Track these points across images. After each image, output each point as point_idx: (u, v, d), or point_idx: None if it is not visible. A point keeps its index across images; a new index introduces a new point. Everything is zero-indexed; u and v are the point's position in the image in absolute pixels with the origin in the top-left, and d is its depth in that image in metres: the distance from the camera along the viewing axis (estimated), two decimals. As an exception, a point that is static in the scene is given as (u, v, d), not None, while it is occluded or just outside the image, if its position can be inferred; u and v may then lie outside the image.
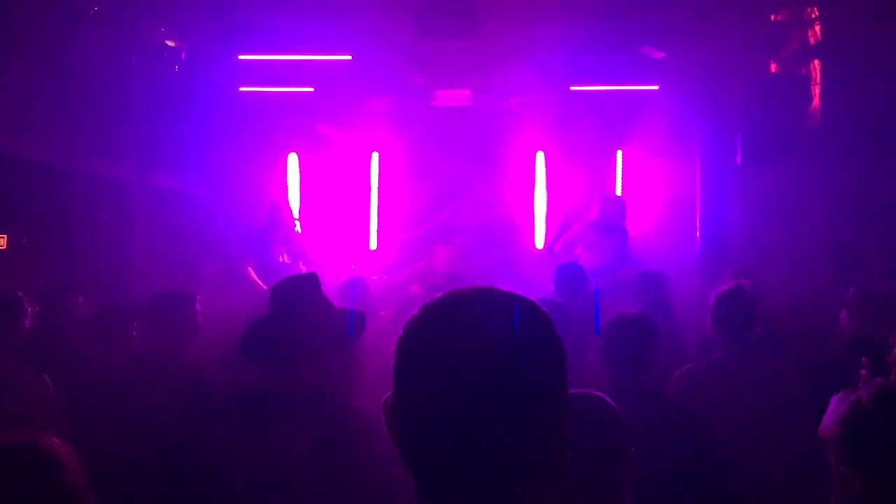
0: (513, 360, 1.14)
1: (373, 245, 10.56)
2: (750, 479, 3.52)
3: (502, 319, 1.18)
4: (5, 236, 7.17)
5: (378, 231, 10.64)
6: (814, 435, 3.05)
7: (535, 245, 10.34)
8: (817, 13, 7.76)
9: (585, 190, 10.17)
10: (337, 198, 10.37)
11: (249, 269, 7.65)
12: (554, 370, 1.18)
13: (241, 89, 9.40)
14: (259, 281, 7.56)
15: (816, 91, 7.66)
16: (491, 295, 1.22)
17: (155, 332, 4.14)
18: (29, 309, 4.18)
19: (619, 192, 10.21)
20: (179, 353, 4.09)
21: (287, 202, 8.84)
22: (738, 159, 7.74)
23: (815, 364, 4.08)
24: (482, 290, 1.23)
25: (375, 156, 10.60)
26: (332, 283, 6.26)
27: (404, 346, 1.20)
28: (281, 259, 8.11)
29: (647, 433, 3.08)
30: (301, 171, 10.41)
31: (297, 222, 8.72)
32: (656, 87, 9.02)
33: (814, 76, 7.80)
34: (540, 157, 10.38)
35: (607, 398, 2.16)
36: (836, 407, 2.15)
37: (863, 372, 3.27)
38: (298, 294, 2.82)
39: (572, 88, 9.30)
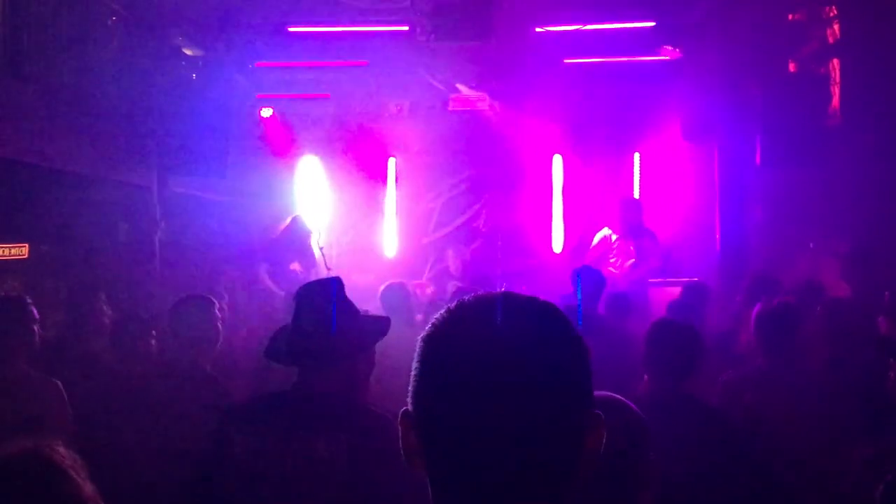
0: (537, 365, 1.12)
1: (390, 250, 10.57)
2: (792, 485, 3.51)
3: (525, 324, 1.16)
4: (27, 245, 7.22)
5: (395, 235, 10.65)
6: (856, 437, 3.09)
7: (552, 248, 10.32)
8: (836, 12, 7.70)
9: (603, 192, 10.16)
10: (354, 202, 10.41)
11: (264, 273, 7.71)
12: (578, 374, 1.17)
13: (259, 96, 9.45)
14: (273, 286, 7.62)
15: (836, 90, 7.60)
16: (513, 299, 1.21)
17: (176, 338, 4.16)
18: (37, 314, 4.19)
19: (637, 194, 10.18)
20: (200, 358, 4.09)
21: (304, 219, 8.93)
22: (758, 159, 7.68)
23: (854, 369, 4.06)
24: (503, 295, 1.21)
25: (392, 161, 10.62)
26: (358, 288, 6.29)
27: (425, 353, 1.19)
28: (292, 267, 8.18)
29: (683, 439, 3.06)
30: (319, 177, 10.45)
31: (317, 237, 8.78)
32: (673, 89, 8.98)
33: (833, 75, 7.74)
34: (557, 160, 10.36)
35: (629, 402, 2.15)
36: None
37: (892, 374, 3.25)
38: (325, 297, 2.82)
39: (589, 91, 9.28)
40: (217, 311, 4.24)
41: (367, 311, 3.26)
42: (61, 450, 1.92)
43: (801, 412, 3.70)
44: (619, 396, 2.15)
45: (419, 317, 5.69)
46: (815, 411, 3.67)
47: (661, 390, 3.43)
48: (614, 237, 8.71)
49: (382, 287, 5.67)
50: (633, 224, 8.62)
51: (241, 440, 2.69)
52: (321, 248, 8.71)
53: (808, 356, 4.27)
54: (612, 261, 8.56)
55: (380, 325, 2.91)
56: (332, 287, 2.86)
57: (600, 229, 8.99)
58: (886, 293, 4.58)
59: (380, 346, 2.93)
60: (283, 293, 6.91)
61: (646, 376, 3.57)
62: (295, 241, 8.45)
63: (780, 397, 3.79)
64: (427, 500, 1.19)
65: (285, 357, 2.82)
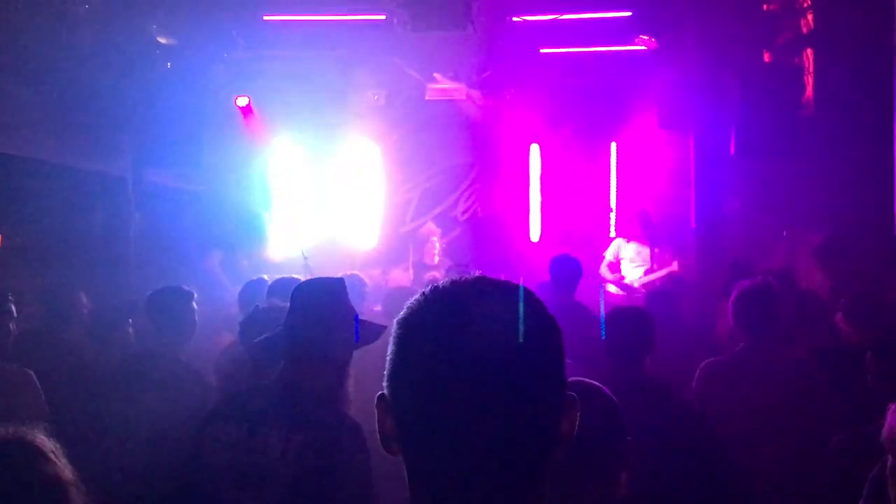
0: (510, 348, 1.13)
1: (370, 240, 10.55)
2: (764, 470, 3.56)
3: (499, 307, 1.16)
4: (0, 235, 7.15)
5: (372, 225, 10.64)
6: (834, 425, 3.13)
7: (530, 237, 10.35)
8: (809, 2, 7.76)
9: (580, 181, 10.20)
10: (332, 192, 10.37)
11: (216, 262, 7.68)
12: (552, 356, 1.18)
13: (234, 84, 9.39)
14: (222, 277, 7.58)
15: (809, 80, 7.66)
16: (486, 283, 1.21)
17: (152, 328, 4.16)
18: (13, 309, 4.18)
19: (613, 182, 10.24)
20: (176, 349, 4.10)
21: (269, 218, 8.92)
22: (733, 149, 7.74)
23: (831, 355, 4.12)
24: (477, 279, 1.22)
25: (370, 149, 10.58)
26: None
27: (400, 337, 1.19)
28: (244, 263, 8.16)
29: (642, 422, 3.14)
30: (295, 166, 10.39)
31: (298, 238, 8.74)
32: (649, 79, 9.02)
33: (807, 65, 7.80)
34: (534, 149, 10.38)
35: (601, 386, 2.18)
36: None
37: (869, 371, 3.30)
38: (329, 297, 2.83)
39: (566, 80, 9.31)
40: (194, 302, 4.24)
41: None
42: (41, 435, 1.94)
43: (780, 398, 3.72)
44: (590, 381, 2.18)
45: (377, 308, 5.70)
46: (794, 398, 3.70)
47: (620, 372, 3.56)
48: (632, 246, 8.80)
49: (386, 292, 5.69)
50: (655, 233, 8.81)
51: (208, 432, 2.70)
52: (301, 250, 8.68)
53: (787, 344, 4.28)
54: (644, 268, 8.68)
55: (371, 332, 2.91)
56: (334, 288, 2.86)
57: (611, 241, 9.13)
58: (842, 300, 4.62)
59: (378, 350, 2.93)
60: (231, 289, 6.75)
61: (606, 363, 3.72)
62: (252, 237, 8.41)
63: (760, 382, 3.80)
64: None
65: (269, 351, 2.81)
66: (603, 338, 3.73)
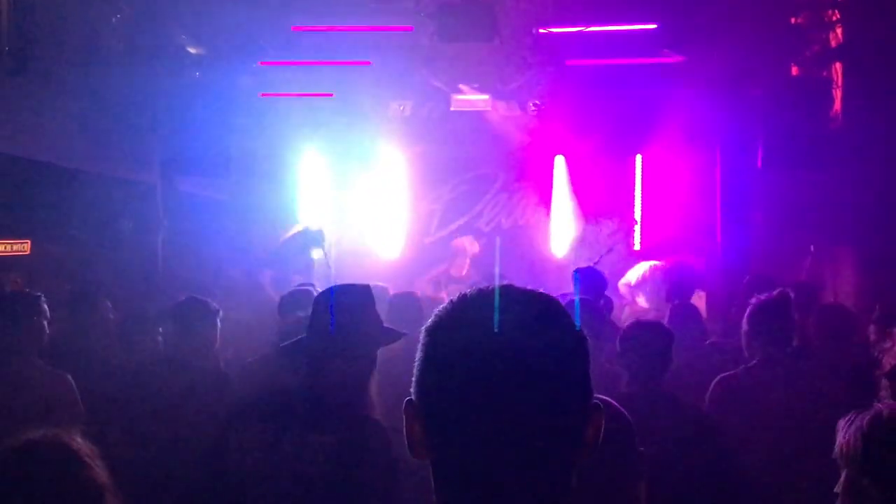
0: (537, 356, 1.14)
1: (393, 251, 10.57)
2: (780, 483, 3.54)
3: (526, 316, 1.18)
4: (29, 241, 7.24)
5: (397, 236, 10.66)
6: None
7: (554, 250, 10.33)
8: (838, 16, 7.71)
9: (605, 194, 10.17)
10: (356, 202, 10.41)
11: (267, 282, 7.70)
12: (578, 365, 1.19)
13: (262, 94, 9.46)
14: (275, 295, 7.62)
15: (838, 94, 7.61)
16: (514, 292, 1.23)
17: (177, 337, 4.21)
18: (47, 309, 4.24)
19: (638, 196, 10.20)
20: (201, 357, 4.14)
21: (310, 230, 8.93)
22: (759, 163, 7.70)
23: (848, 371, 4.08)
24: (505, 288, 1.23)
25: (396, 159, 10.62)
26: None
27: (428, 344, 1.20)
28: (295, 278, 8.19)
29: (664, 434, 3.14)
30: (321, 176, 10.46)
31: (324, 246, 8.79)
32: (675, 91, 8.99)
33: (835, 79, 7.75)
34: (559, 161, 10.37)
35: (611, 400, 2.19)
36: (846, 425, 2.19)
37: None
38: (356, 301, 2.86)
39: (592, 92, 9.29)
40: (218, 319, 4.29)
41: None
42: (79, 439, 1.98)
43: (794, 414, 3.69)
44: (603, 396, 2.19)
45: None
46: (808, 414, 3.66)
47: (642, 389, 3.57)
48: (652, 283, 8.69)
49: (390, 297, 5.66)
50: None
51: (236, 436, 2.72)
52: (325, 253, 8.73)
53: (805, 359, 4.23)
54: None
55: (391, 336, 2.94)
56: (363, 293, 2.90)
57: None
58: (877, 305, 4.58)
59: (386, 356, 2.97)
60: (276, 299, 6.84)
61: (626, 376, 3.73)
62: (300, 252, 8.46)
63: (774, 398, 3.77)
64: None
65: (305, 348, 2.84)
66: (621, 354, 3.73)
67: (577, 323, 1.22)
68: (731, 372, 4.06)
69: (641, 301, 8.49)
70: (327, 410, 2.71)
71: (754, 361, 3.99)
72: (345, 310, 2.83)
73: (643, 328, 3.83)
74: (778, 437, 3.66)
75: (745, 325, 4.06)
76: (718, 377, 4.03)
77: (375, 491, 2.59)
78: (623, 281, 8.61)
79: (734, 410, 3.84)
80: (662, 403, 3.51)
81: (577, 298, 5.42)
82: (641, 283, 8.56)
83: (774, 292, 4.11)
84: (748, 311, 4.05)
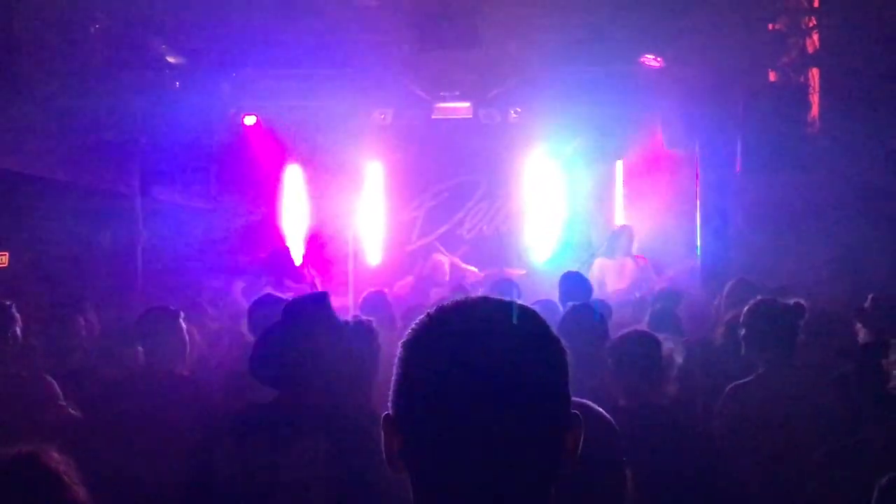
0: (515, 368, 1.14)
1: (374, 258, 10.57)
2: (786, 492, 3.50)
3: (503, 328, 1.18)
4: (6, 253, 7.18)
5: (379, 243, 10.65)
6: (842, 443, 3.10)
7: (536, 256, 10.35)
8: (815, 22, 7.79)
9: (587, 200, 10.22)
10: (338, 210, 10.39)
11: (238, 291, 7.67)
12: (556, 376, 1.19)
13: (242, 103, 9.44)
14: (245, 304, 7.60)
15: (815, 99, 7.69)
16: (491, 304, 1.22)
17: (145, 347, 4.19)
18: (18, 317, 4.21)
19: (619, 201, 10.25)
20: (172, 367, 4.11)
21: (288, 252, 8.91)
22: (738, 167, 7.76)
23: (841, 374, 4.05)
24: (482, 300, 1.24)
25: (376, 168, 10.62)
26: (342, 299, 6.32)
27: (406, 358, 1.20)
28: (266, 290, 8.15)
29: (660, 449, 3.10)
30: (302, 185, 10.44)
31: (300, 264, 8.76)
32: (655, 97, 9.04)
33: (812, 84, 7.82)
34: (541, 167, 10.40)
35: (598, 407, 2.17)
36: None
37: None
38: (307, 313, 2.84)
39: (573, 99, 9.32)
40: (181, 321, 4.25)
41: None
42: (55, 454, 1.94)
43: (800, 420, 3.65)
44: (588, 402, 2.17)
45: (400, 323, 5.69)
46: (812, 419, 3.63)
47: (637, 403, 3.45)
48: (622, 262, 8.78)
49: (363, 296, 5.67)
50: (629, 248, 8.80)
51: (222, 453, 2.69)
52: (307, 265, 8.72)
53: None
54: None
55: (363, 333, 2.92)
56: (316, 303, 2.86)
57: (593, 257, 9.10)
58: (869, 296, 4.55)
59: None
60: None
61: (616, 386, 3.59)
62: (277, 267, 8.43)
63: (784, 406, 3.66)
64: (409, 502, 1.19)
65: (266, 375, 2.81)
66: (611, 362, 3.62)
67: (566, 330, 1.23)
68: (739, 382, 3.92)
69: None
70: (311, 417, 2.69)
71: (760, 371, 3.87)
72: (301, 317, 2.81)
73: (629, 341, 3.69)
74: (780, 450, 3.59)
75: (743, 329, 3.93)
76: (730, 386, 3.89)
77: (371, 495, 2.57)
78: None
79: (749, 420, 3.72)
80: (660, 418, 3.39)
81: (563, 304, 5.44)
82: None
83: (767, 298, 4.06)
84: (749, 312, 3.93)
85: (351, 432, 2.63)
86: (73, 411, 3.93)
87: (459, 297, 1.26)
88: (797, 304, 3.98)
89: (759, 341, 3.88)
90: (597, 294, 7.75)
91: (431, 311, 1.23)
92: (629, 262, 8.79)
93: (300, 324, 2.81)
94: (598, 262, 8.94)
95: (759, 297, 4.07)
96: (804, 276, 7.00)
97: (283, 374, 2.77)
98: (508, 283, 6.95)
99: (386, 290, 6.58)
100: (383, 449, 1.21)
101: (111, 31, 7.54)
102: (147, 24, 7.71)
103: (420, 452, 1.17)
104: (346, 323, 3.00)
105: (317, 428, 2.65)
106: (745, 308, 4.00)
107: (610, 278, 8.75)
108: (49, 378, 3.99)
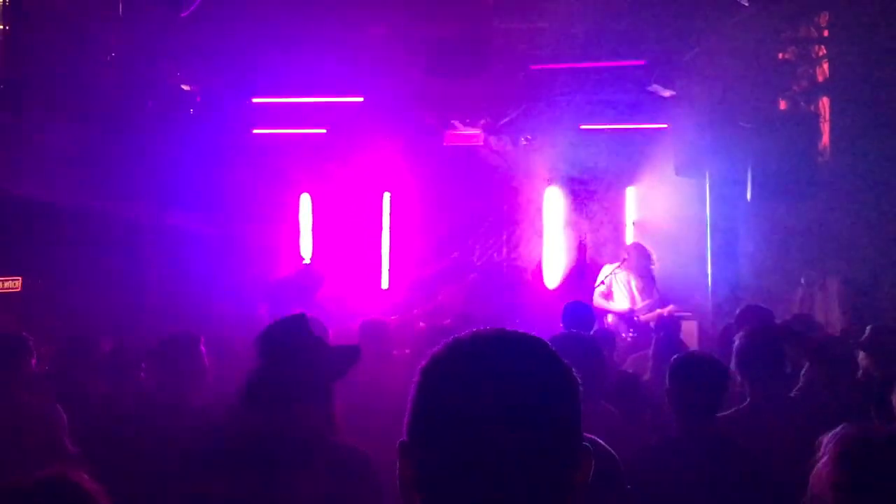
0: (530, 402, 1.16)
1: (384, 284, 10.58)
2: None
3: (519, 361, 1.20)
4: (20, 279, 7.24)
5: (389, 270, 10.67)
6: None
7: (546, 283, 10.33)
8: (824, 51, 7.81)
9: (597, 227, 10.22)
10: (348, 237, 10.43)
11: (264, 313, 7.69)
12: (569, 410, 1.21)
13: (255, 131, 9.52)
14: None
15: (825, 128, 7.69)
16: (508, 337, 1.24)
17: (162, 374, 4.14)
18: (34, 348, 4.23)
19: (630, 228, 10.25)
20: (187, 395, 4.07)
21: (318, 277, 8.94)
22: (749, 195, 7.75)
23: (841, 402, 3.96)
24: (498, 332, 1.25)
25: (387, 195, 10.67)
26: (349, 324, 6.31)
27: (423, 386, 1.22)
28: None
29: (718, 478, 3.01)
30: (313, 211, 10.50)
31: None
32: (665, 125, 9.08)
33: (822, 113, 7.83)
34: (550, 193, 10.42)
35: (600, 441, 2.18)
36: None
37: None
38: (285, 338, 2.80)
39: (583, 126, 9.36)
40: (202, 346, 4.21)
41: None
42: (87, 477, 1.96)
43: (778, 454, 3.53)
44: (590, 435, 2.16)
45: (397, 352, 5.69)
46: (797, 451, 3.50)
47: (691, 429, 3.26)
48: (623, 275, 8.74)
49: (361, 323, 5.69)
50: (646, 267, 8.74)
51: (216, 484, 2.66)
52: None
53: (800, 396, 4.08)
54: (623, 297, 8.62)
55: (348, 356, 2.87)
56: (294, 326, 2.84)
57: (602, 267, 9.06)
58: (868, 328, 4.48)
59: (351, 378, 2.90)
60: None
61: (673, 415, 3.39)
62: (301, 288, 8.47)
63: (769, 444, 3.41)
64: None
65: (252, 402, 2.77)
66: (671, 390, 3.38)
67: (567, 361, 1.24)
68: (723, 414, 3.62)
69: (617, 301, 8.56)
70: (301, 446, 2.66)
71: (746, 403, 3.68)
72: (283, 342, 2.80)
73: (695, 362, 3.43)
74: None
75: (733, 362, 3.72)
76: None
77: None
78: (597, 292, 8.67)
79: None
80: (717, 449, 3.17)
81: (565, 334, 5.42)
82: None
83: (760, 326, 3.96)
84: (735, 348, 3.76)
85: (339, 464, 2.60)
86: (70, 446, 3.91)
87: (466, 326, 1.28)
88: (780, 328, 3.86)
89: (745, 372, 3.70)
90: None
91: (450, 341, 1.25)
92: (644, 280, 8.73)
93: (277, 350, 2.78)
94: (606, 271, 8.90)
95: (744, 330, 3.91)
96: (815, 303, 6.98)
97: (265, 402, 2.73)
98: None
99: (394, 317, 6.57)
100: (398, 474, 1.22)
101: (125, 60, 7.63)
102: (161, 53, 7.80)
103: (434, 480, 1.18)
104: (328, 345, 2.96)
105: (304, 457, 2.62)
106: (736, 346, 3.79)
107: (618, 290, 8.73)
108: (57, 405, 3.99)
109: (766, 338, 3.78)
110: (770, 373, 3.69)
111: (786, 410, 3.64)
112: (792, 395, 3.97)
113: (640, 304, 8.48)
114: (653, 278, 8.74)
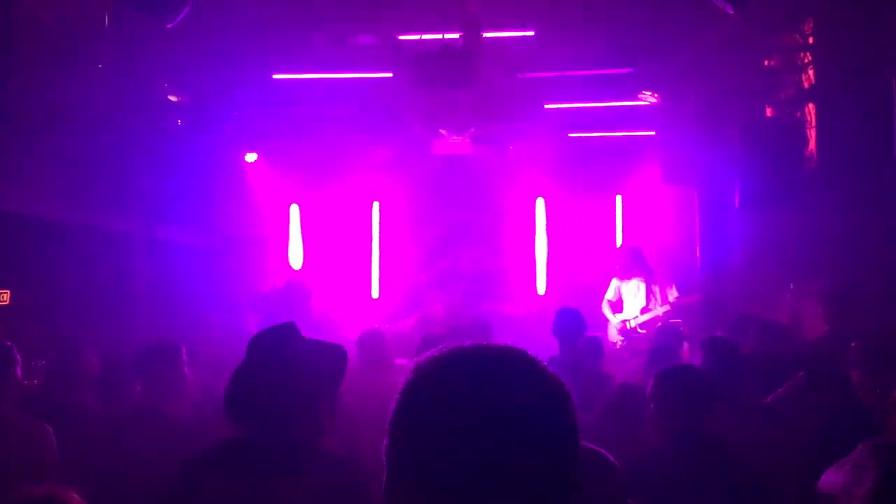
0: (521, 422, 1.16)
1: (374, 293, 10.58)
2: None
3: (513, 375, 1.20)
4: (8, 291, 7.19)
5: (379, 279, 10.66)
6: None
7: (536, 291, 10.35)
8: (810, 58, 7.86)
9: (586, 235, 10.24)
10: (338, 247, 10.43)
11: (253, 324, 7.68)
12: (561, 424, 1.20)
13: (244, 142, 9.51)
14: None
15: (812, 134, 7.73)
16: (497, 354, 1.24)
17: (143, 383, 4.15)
18: (19, 358, 4.20)
19: (619, 235, 10.27)
20: (168, 403, 4.07)
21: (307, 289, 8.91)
22: (737, 202, 7.79)
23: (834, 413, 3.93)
24: (487, 349, 1.25)
25: (376, 205, 10.68)
26: (345, 335, 6.30)
27: (405, 405, 1.22)
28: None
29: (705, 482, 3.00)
30: (303, 222, 10.49)
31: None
32: (653, 133, 9.12)
33: (809, 119, 7.87)
34: (540, 203, 10.45)
35: (604, 452, 2.17)
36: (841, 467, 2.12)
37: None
38: (272, 346, 2.78)
39: (571, 135, 9.40)
40: (183, 355, 4.20)
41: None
42: (76, 496, 1.95)
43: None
44: (593, 446, 2.16)
45: (399, 361, 5.68)
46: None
47: (675, 442, 3.24)
48: (636, 283, 8.72)
49: (360, 333, 5.66)
50: (648, 267, 8.71)
51: (206, 489, 2.64)
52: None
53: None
54: (641, 305, 8.60)
55: (337, 362, 2.83)
56: (281, 334, 2.81)
57: (610, 281, 9.03)
58: (853, 344, 4.40)
59: (353, 388, 2.87)
60: None
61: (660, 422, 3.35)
62: (291, 301, 8.45)
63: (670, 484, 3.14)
64: None
65: (237, 411, 2.74)
66: (654, 398, 3.37)
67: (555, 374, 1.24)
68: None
69: (615, 326, 8.55)
70: (288, 456, 2.64)
71: (656, 445, 3.38)
72: (268, 349, 2.78)
73: (678, 373, 3.42)
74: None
75: (648, 399, 3.43)
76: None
77: None
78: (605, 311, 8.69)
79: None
80: (706, 454, 3.14)
81: (557, 340, 5.42)
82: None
83: (678, 364, 3.71)
84: (649, 386, 3.44)
85: (330, 474, 2.59)
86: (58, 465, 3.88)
87: (456, 335, 1.28)
88: (689, 369, 3.58)
89: (660, 415, 3.37)
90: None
91: (442, 354, 1.25)
92: (643, 282, 8.72)
93: (264, 358, 2.76)
94: (614, 285, 8.90)
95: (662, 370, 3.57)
96: (803, 310, 7.00)
97: (251, 411, 2.71)
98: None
99: (385, 326, 6.58)
100: (384, 482, 1.22)
101: (114, 72, 7.61)
102: (151, 64, 7.79)
103: (425, 489, 1.17)
104: (318, 354, 2.93)
105: (291, 467, 2.60)
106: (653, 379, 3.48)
107: (628, 299, 8.74)
108: (45, 424, 3.95)
109: (687, 379, 3.44)
110: (687, 417, 3.32)
111: (703, 458, 3.27)
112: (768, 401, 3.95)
113: (658, 307, 8.43)
114: (661, 277, 8.71)
